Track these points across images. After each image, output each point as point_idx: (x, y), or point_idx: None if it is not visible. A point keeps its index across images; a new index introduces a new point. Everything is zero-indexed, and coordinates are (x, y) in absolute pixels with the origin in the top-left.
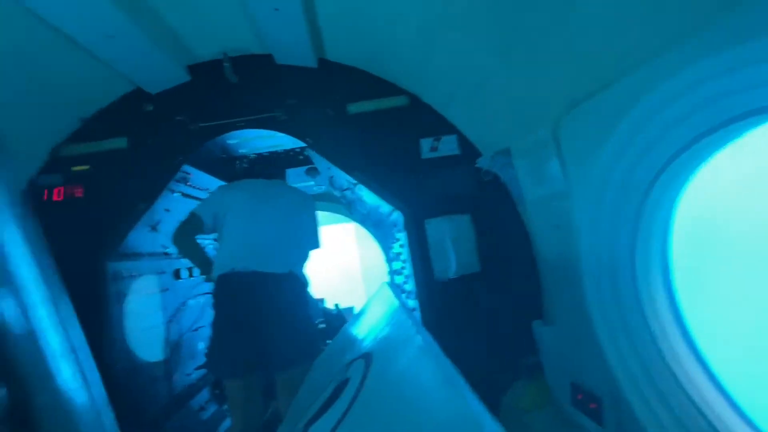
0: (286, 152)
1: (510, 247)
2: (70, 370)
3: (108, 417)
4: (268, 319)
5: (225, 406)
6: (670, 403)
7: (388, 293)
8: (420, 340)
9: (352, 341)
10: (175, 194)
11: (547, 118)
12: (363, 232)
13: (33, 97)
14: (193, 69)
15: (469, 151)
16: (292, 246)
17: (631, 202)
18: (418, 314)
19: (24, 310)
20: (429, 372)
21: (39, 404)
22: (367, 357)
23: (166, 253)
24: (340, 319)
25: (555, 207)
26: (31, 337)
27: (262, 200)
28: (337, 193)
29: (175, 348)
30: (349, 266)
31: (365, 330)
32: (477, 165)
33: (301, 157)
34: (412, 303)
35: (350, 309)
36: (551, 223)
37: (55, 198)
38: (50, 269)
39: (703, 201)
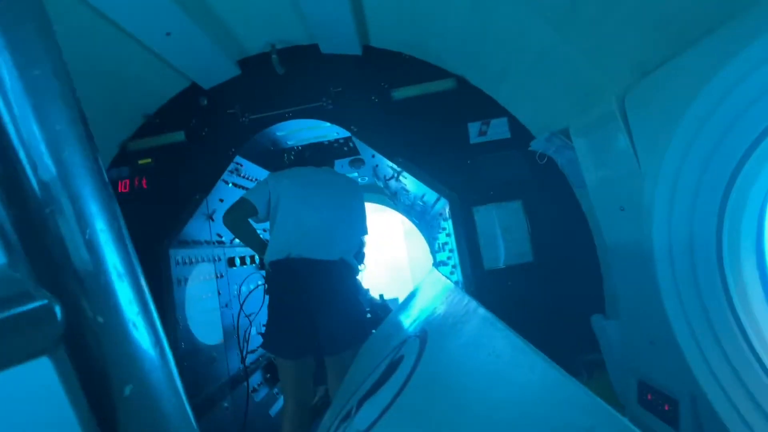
0: (332, 143)
1: (566, 235)
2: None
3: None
4: (320, 305)
5: (276, 389)
6: (765, 406)
7: (438, 276)
8: (483, 312)
9: (403, 324)
10: (229, 185)
11: (612, 90)
12: (409, 224)
13: (102, 96)
14: (243, 63)
15: (520, 134)
16: (343, 233)
17: (719, 179)
18: None
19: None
20: (498, 342)
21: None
22: (422, 335)
23: (220, 242)
24: (384, 309)
25: (621, 188)
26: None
27: (313, 187)
28: (381, 184)
29: (229, 333)
30: (395, 257)
31: (416, 312)
32: (530, 148)
33: (347, 148)
34: None
35: (395, 300)
36: (616, 206)
37: (121, 189)
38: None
39: None
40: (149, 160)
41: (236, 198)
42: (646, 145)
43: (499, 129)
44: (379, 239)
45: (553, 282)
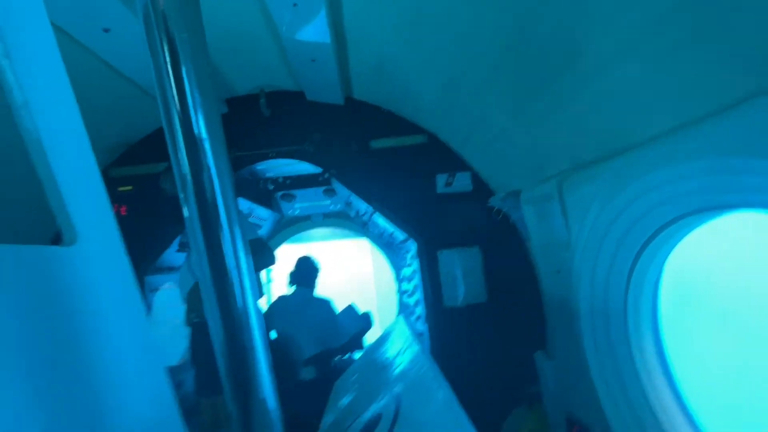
0: (309, 175)
1: (517, 280)
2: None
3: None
4: None
5: None
6: None
7: (406, 331)
8: (442, 395)
9: (377, 375)
10: None
11: (553, 173)
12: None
13: (86, 124)
14: (231, 102)
15: (482, 188)
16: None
17: (626, 259)
18: (427, 338)
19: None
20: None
21: None
22: (396, 400)
23: None
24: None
25: (557, 254)
26: None
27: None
28: (352, 213)
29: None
30: (362, 279)
31: (389, 366)
32: (489, 204)
33: (321, 179)
34: (421, 327)
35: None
36: (553, 268)
37: None
38: None
39: (686, 263)
40: (130, 187)
41: None
42: (576, 224)
43: (463, 182)
44: (346, 260)
45: (503, 320)
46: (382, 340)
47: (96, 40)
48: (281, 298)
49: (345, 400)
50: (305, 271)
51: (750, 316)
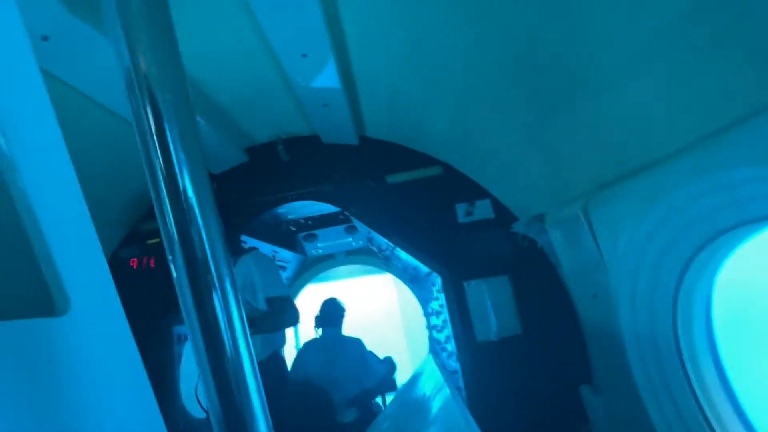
0: (329, 214)
1: (552, 309)
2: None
3: None
4: None
5: None
6: None
7: (436, 371)
8: None
9: (408, 420)
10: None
11: (577, 194)
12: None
13: (114, 182)
14: (251, 151)
15: (504, 214)
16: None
17: (669, 278)
18: (460, 376)
19: None
20: None
21: None
22: None
23: None
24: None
25: (591, 277)
26: None
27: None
28: (374, 248)
29: None
30: (389, 316)
31: (419, 411)
32: (513, 230)
33: (342, 216)
34: (454, 364)
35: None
36: (589, 292)
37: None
38: None
39: (740, 279)
40: (158, 240)
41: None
42: (607, 245)
43: (484, 209)
44: (371, 296)
45: (542, 352)
46: (412, 382)
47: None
48: (311, 341)
49: None
50: (331, 313)
51: None
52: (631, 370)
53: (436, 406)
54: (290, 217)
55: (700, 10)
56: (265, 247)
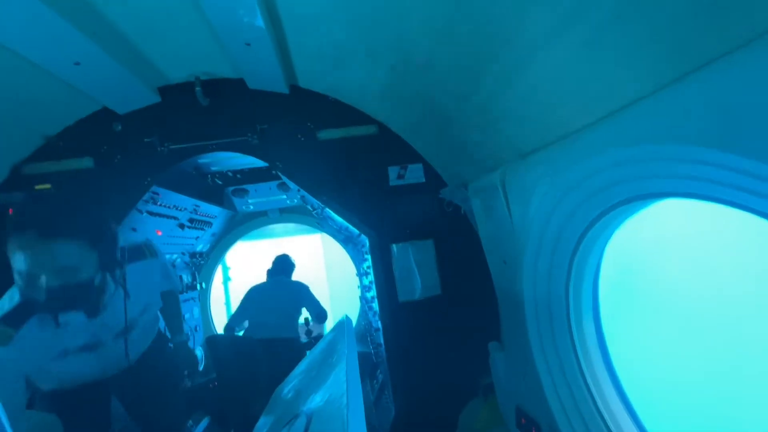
0: (260, 168)
1: (471, 272)
2: None
3: None
4: None
5: (190, 422)
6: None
7: (345, 335)
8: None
9: (303, 384)
10: (143, 214)
11: (497, 163)
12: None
13: None
14: (164, 90)
15: (434, 180)
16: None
17: (566, 247)
18: (381, 334)
19: None
20: None
21: None
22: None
23: None
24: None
25: (503, 244)
26: None
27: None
28: (309, 207)
29: None
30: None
31: (314, 377)
32: (440, 196)
33: (274, 172)
34: (378, 323)
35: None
36: (500, 258)
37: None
38: None
39: (624, 252)
40: (48, 185)
41: (151, 225)
42: (518, 213)
43: (415, 174)
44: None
45: (459, 313)
46: (322, 345)
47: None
48: (257, 286)
49: (274, 413)
50: (281, 266)
51: (681, 305)
52: (527, 330)
53: (330, 379)
54: (214, 169)
55: None
56: (185, 201)
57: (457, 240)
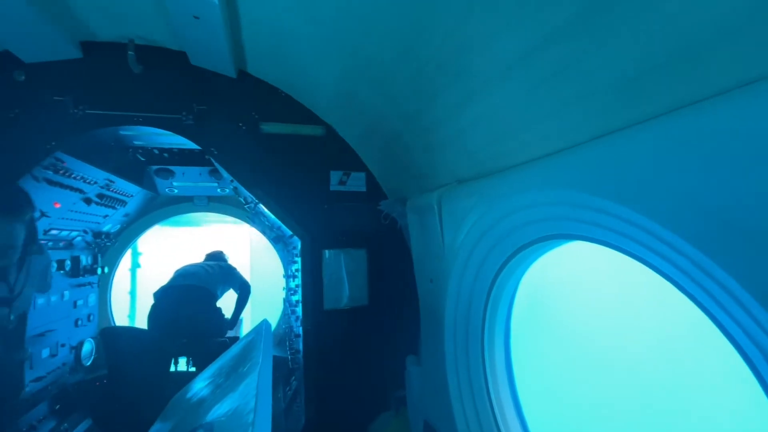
0: (190, 150)
1: (399, 286)
2: None
3: None
4: None
5: (66, 424)
6: None
7: (262, 341)
8: None
9: (209, 390)
10: (40, 181)
11: (436, 185)
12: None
13: None
14: (87, 46)
15: (375, 190)
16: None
17: (489, 273)
18: (301, 340)
19: None
20: None
21: None
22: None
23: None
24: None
25: (432, 264)
26: None
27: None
28: (241, 199)
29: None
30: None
31: (221, 383)
32: (379, 207)
33: (207, 157)
34: (299, 329)
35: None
36: (428, 277)
37: None
38: None
39: (537, 282)
40: None
41: (47, 196)
42: (450, 237)
43: (357, 182)
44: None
45: (382, 325)
46: (237, 349)
47: None
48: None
49: (172, 420)
50: (213, 255)
51: (587, 337)
52: (444, 347)
53: (239, 390)
54: (137, 143)
55: (548, 43)
56: (97, 174)
57: (389, 253)
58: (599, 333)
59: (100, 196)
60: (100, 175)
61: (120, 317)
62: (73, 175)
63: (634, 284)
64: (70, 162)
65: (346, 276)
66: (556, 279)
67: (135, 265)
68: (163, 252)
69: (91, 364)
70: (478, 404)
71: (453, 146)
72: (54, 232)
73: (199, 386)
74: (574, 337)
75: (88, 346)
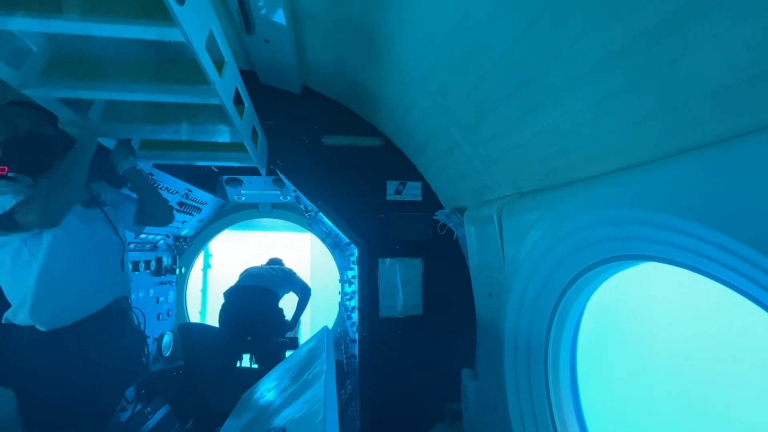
0: None
1: (454, 297)
2: None
3: None
4: None
5: (149, 408)
6: None
7: (325, 350)
8: None
9: (276, 394)
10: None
11: (497, 196)
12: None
13: None
14: None
15: (431, 200)
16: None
17: (553, 292)
18: (357, 346)
19: None
20: None
21: None
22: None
23: None
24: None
25: (491, 276)
26: None
27: None
28: (302, 207)
29: None
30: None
31: (288, 387)
32: (435, 217)
33: (271, 167)
34: (355, 334)
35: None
36: (486, 290)
37: None
38: None
39: (608, 304)
40: None
41: None
42: (511, 251)
43: (413, 191)
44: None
45: (436, 335)
46: (300, 354)
47: None
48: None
49: (244, 417)
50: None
51: (657, 362)
52: (504, 364)
53: (308, 391)
54: None
55: (616, 60)
56: (178, 185)
57: (445, 264)
58: (683, 364)
59: (180, 204)
60: (181, 186)
61: (193, 313)
62: (160, 186)
63: (736, 321)
64: (157, 174)
65: (401, 285)
66: (632, 300)
67: (206, 266)
68: (231, 254)
69: (169, 355)
70: (540, 426)
71: (514, 157)
72: (143, 236)
73: (267, 387)
74: (654, 366)
75: (167, 339)
